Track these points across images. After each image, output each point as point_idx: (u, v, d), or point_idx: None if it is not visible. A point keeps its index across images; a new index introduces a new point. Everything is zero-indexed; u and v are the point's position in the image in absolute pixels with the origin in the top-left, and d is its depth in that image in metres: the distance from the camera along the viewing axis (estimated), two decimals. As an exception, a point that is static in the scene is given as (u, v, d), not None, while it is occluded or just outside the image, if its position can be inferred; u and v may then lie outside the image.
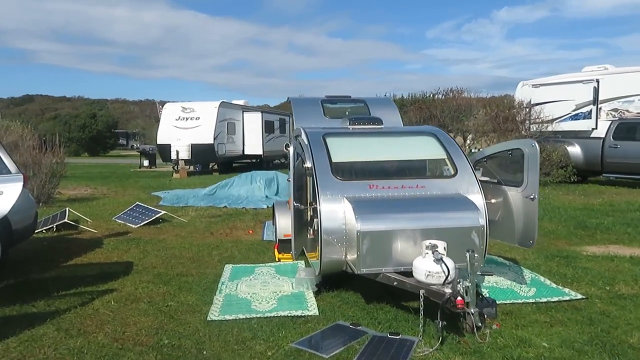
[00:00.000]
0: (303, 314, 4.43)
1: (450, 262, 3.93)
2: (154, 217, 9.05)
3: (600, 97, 17.98)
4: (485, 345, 3.73)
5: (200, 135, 20.51)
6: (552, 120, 18.13)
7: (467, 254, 3.92)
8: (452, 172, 5.08)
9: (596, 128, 18.10)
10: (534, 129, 16.29)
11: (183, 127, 20.91)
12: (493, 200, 4.97)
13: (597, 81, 17.96)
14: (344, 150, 5.26)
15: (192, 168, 21.19)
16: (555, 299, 4.74)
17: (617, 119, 16.02)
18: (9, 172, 4.46)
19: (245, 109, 23.78)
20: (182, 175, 19.70)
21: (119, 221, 9.17)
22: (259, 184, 12.81)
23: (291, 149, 4.36)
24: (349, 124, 6.05)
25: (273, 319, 4.35)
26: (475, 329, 3.87)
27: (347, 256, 4.62)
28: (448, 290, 3.78)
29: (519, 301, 4.70)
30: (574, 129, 17.99)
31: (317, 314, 4.45)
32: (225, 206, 11.20)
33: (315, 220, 4.76)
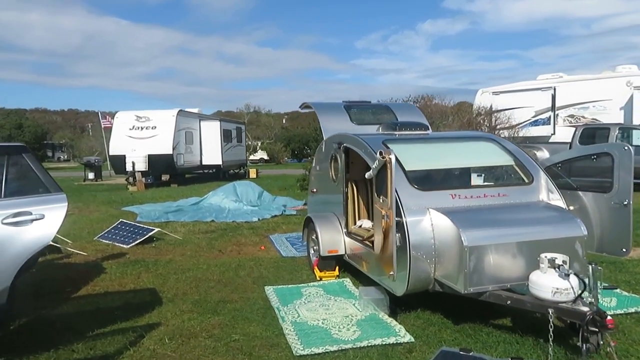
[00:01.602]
0: (398, 342, 3.96)
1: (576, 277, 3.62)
2: (147, 236, 8.16)
3: (557, 104, 18.80)
4: (626, 366, 3.44)
5: (158, 145, 19.32)
6: (514, 126, 18.70)
7: (591, 267, 3.62)
8: (527, 180, 4.81)
9: (554, 134, 18.92)
10: (506, 134, 16.65)
11: (138, 137, 19.61)
12: (571, 207, 4.74)
13: (554, 89, 18.76)
14: (413, 157, 4.85)
15: (144, 180, 19.90)
16: (643, 308, 4.56)
17: (582, 125, 16.68)
18: (47, 190, 3.65)
19: (202, 117, 22.77)
20: (139, 188, 18.42)
21: (105, 241, 8.21)
22: (241, 195, 12.10)
23: (393, 157, 3.88)
24: (397, 129, 5.66)
25: (369, 349, 3.84)
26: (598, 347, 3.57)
27: (436, 273, 4.21)
28: (585, 309, 3.46)
29: (609, 313, 4.47)
30: (534, 134, 18.65)
31: (413, 340, 3.99)
32: (213, 220, 10.41)
33: (397, 234, 4.29)
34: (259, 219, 10.44)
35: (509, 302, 3.83)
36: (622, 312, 4.50)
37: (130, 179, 19.16)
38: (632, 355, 3.63)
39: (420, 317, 4.49)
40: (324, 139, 6.37)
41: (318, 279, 5.80)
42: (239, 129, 25.66)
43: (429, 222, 4.22)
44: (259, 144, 48.84)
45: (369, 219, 5.92)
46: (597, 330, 3.40)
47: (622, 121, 16.89)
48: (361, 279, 5.57)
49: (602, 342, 3.58)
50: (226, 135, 23.17)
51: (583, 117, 18.31)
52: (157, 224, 9.97)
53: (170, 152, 19.28)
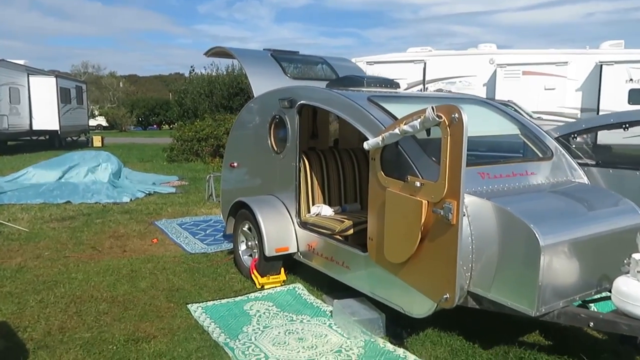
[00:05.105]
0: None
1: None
2: (-26, 229, 5.67)
3: (427, 78, 19.09)
4: None
5: (-29, 103, 15.16)
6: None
7: (689, 271, 2.73)
8: (546, 154, 3.82)
9: (424, 106, 19.26)
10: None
11: (-60, 93, 15.17)
12: (589, 188, 3.88)
13: (425, 62, 18.99)
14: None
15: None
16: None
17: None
18: None
19: (32, 71, 18.55)
20: (-55, 159, 14.25)
21: None
22: (103, 168, 9.62)
23: (465, 116, 2.49)
24: (364, 85, 4.28)
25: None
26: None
27: (471, 284, 3.01)
28: None
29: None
30: (406, 107, 18.73)
31: (455, 384, 2.76)
32: (69, 202, 7.95)
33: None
34: (131, 199, 8.26)
35: (591, 323, 2.77)
36: None
37: None
38: None
39: (436, 343, 3.27)
40: (255, 95, 4.74)
41: (259, 286, 4.24)
42: (80, 88, 21.65)
43: (463, 211, 2.97)
44: (97, 108, 43.25)
45: (325, 203, 4.50)
46: None
47: (484, 96, 17.69)
48: (316, 281, 4.18)
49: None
50: (64, 95, 19.28)
51: (450, 91, 18.78)
52: (-17, 208, 7.27)
53: (-11, 113, 15.28)
